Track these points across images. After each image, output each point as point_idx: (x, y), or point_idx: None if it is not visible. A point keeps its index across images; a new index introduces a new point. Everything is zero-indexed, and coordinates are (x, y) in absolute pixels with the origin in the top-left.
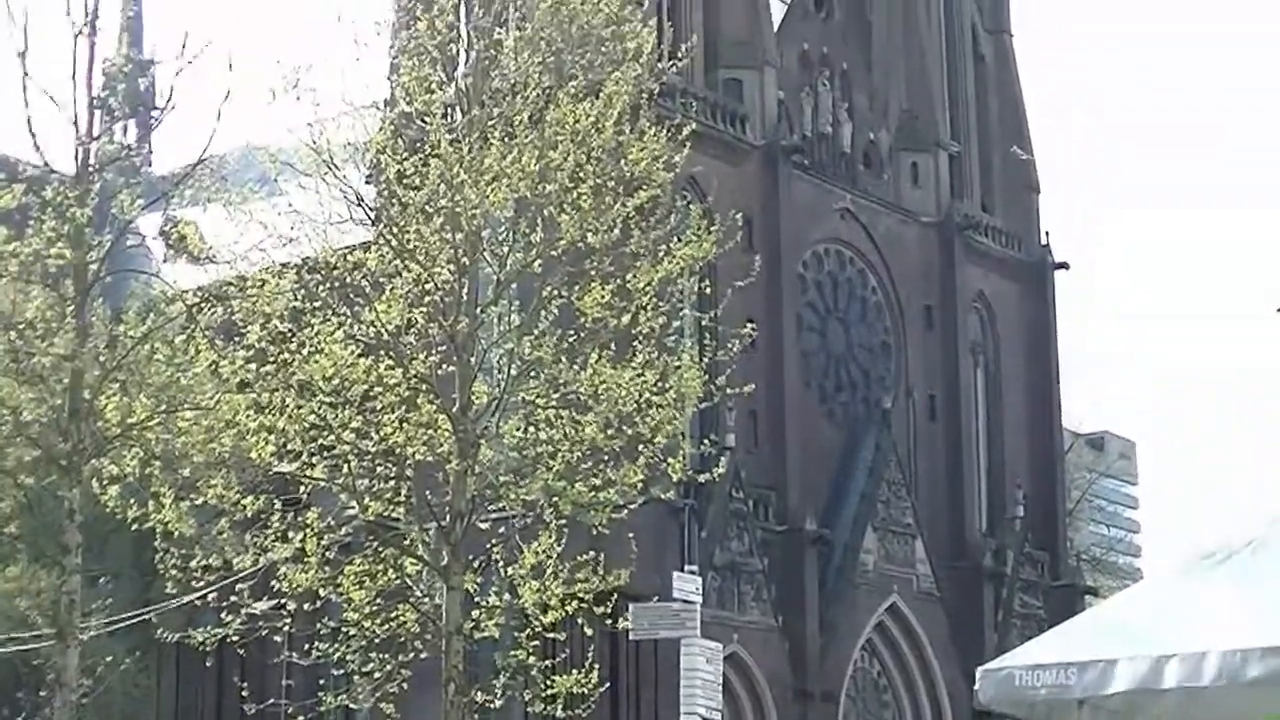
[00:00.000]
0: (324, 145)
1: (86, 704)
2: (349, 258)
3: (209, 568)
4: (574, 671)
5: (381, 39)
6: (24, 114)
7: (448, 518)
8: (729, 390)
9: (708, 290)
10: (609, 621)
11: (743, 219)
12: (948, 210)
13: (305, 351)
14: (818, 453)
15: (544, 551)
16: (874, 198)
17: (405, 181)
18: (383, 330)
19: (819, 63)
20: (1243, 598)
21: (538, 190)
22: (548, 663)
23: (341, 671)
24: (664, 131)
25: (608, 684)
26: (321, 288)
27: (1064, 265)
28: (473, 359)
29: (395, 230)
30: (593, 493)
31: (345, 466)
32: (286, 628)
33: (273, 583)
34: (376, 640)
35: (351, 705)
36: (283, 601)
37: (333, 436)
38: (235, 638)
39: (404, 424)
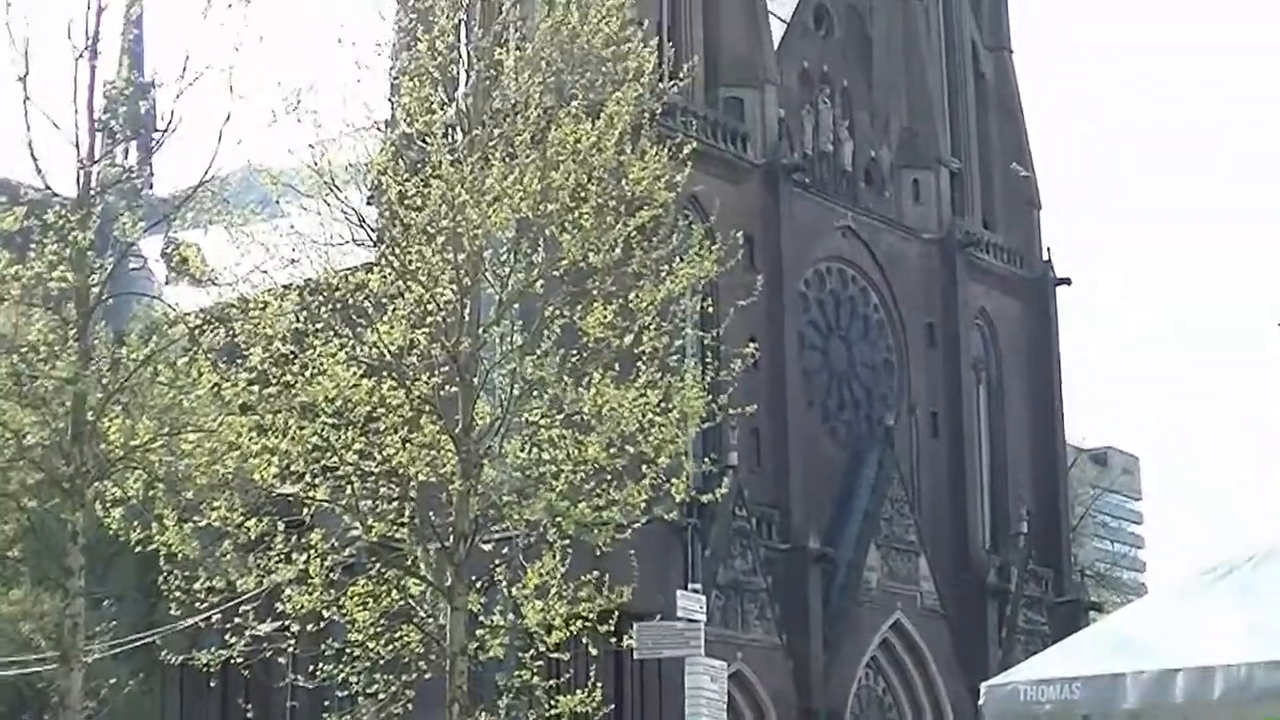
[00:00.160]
0: (325, 166)
1: None
2: (351, 279)
3: (213, 589)
4: (578, 691)
5: (382, 60)
6: (25, 137)
7: (451, 538)
8: (731, 409)
9: (710, 309)
10: (613, 641)
11: (744, 237)
12: (949, 227)
13: (308, 373)
14: (821, 471)
15: (548, 572)
16: (875, 215)
17: (407, 202)
18: (385, 351)
19: (819, 80)
20: (1246, 612)
21: (539, 210)
22: (552, 682)
23: (346, 693)
24: (665, 151)
25: (612, 704)
26: (323, 309)
27: (1066, 281)
28: (475, 379)
29: (397, 251)
30: (596, 512)
31: (348, 487)
32: (290, 649)
33: (276, 604)
34: (380, 661)
35: None
36: (287, 623)
37: (335, 458)
38: (239, 659)
39: (407, 445)
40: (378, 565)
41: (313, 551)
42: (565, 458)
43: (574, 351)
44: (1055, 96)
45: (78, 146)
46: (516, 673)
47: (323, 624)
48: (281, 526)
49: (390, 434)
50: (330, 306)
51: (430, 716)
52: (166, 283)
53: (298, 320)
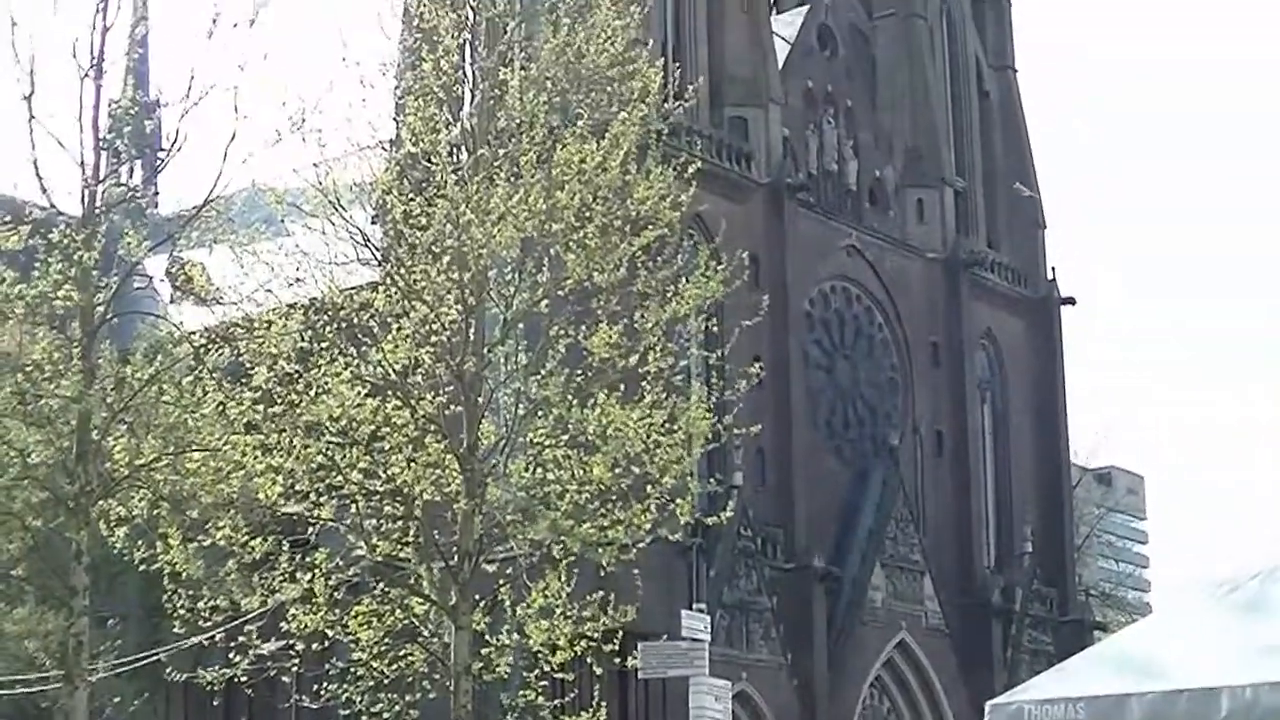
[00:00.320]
0: (330, 186)
1: None
2: (356, 298)
3: (217, 608)
4: (583, 711)
5: (387, 80)
6: (30, 156)
7: (455, 557)
8: (736, 429)
9: (714, 329)
10: (617, 660)
11: (749, 257)
12: (954, 246)
13: (313, 392)
14: (825, 490)
15: (553, 592)
16: (880, 234)
17: (411, 221)
18: (390, 370)
19: (824, 100)
20: (1252, 632)
21: (544, 230)
22: (557, 702)
23: (349, 712)
24: (670, 170)
25: None
26: (328, 328)
27: (1070, 300)
28: (480, 399)
29: (402, 270)
30: (600, 532)
31: (353, 506)
32: (295, 668)
33: (281, 623)
34: (385, 681)
35: None
36: (291, 642)
37: (340, 477)
38: (243, 678)
39: (412, 464)
40: (382, 584)
41: (317, 571)
42: (570, 478)
43: (579, 371)
44: (1061, 116)
45: (83, 165)
46: (521, 692)
47: (327, 643)
48: (286, 545)
49: (395, 453)
50: (335, 326)
51: None
52: (171, 302)
53: (302, 339)
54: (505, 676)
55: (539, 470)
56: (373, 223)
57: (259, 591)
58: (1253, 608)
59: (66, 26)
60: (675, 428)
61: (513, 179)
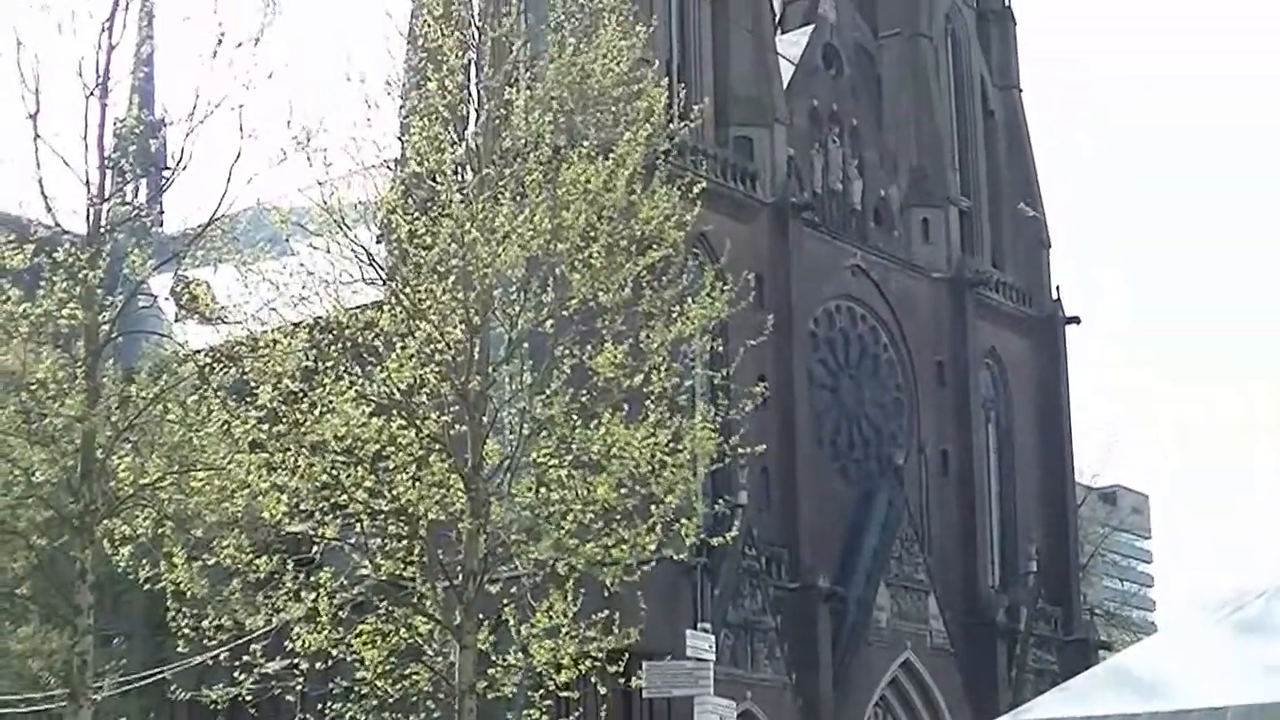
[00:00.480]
0: (335, 205)
1: None
2: (360, 317)
3: (221, 627)
4: None
5: (392, 99)
6: (36, 174)
7: (460, 577)
8: (741, 449)
9: (719, 349)
10: (622, 680)
11: (754, 277)
12: (958, 266)
13: (317, 411)
14: (830, 509)
15: (559, 611)
16: (885, 254)
17: (416, 241)
18: (394, 389)
19: (829, 119)
20: (1257, 651)
21: (549, 249)
22: None
23: None
24: (675, 190)
25: None
26: (333, 347)
27: (1075, 320)
28: (485, 418)
29: (407, 289)
30: (605, 552)
31: (357, 526)
32: (299, 687)
33: (285, 642)
34: (389, 700)
35: None
36: (295, 661)
37: (345, 496)
38: (248, 698)
39: (416, 483)
40: (386, 604)
41: (322, 590)
42: (574, 497)
43: (583, 391)
44: (1066, 135)
45: (88, 184)
46: (526, 712)
47: (331, 662)
48: (290, 564)
49: (399, 472)
50: (340, 345)
51: None
52: (176, 320)
53: (307, 358)
54: (510, 696)
55: (543, 490)
56: (377, 242)
57: (263, 610)
58: (1258, 626)
59: (72, 45)
60: (680, 447)
61: (518, 198)
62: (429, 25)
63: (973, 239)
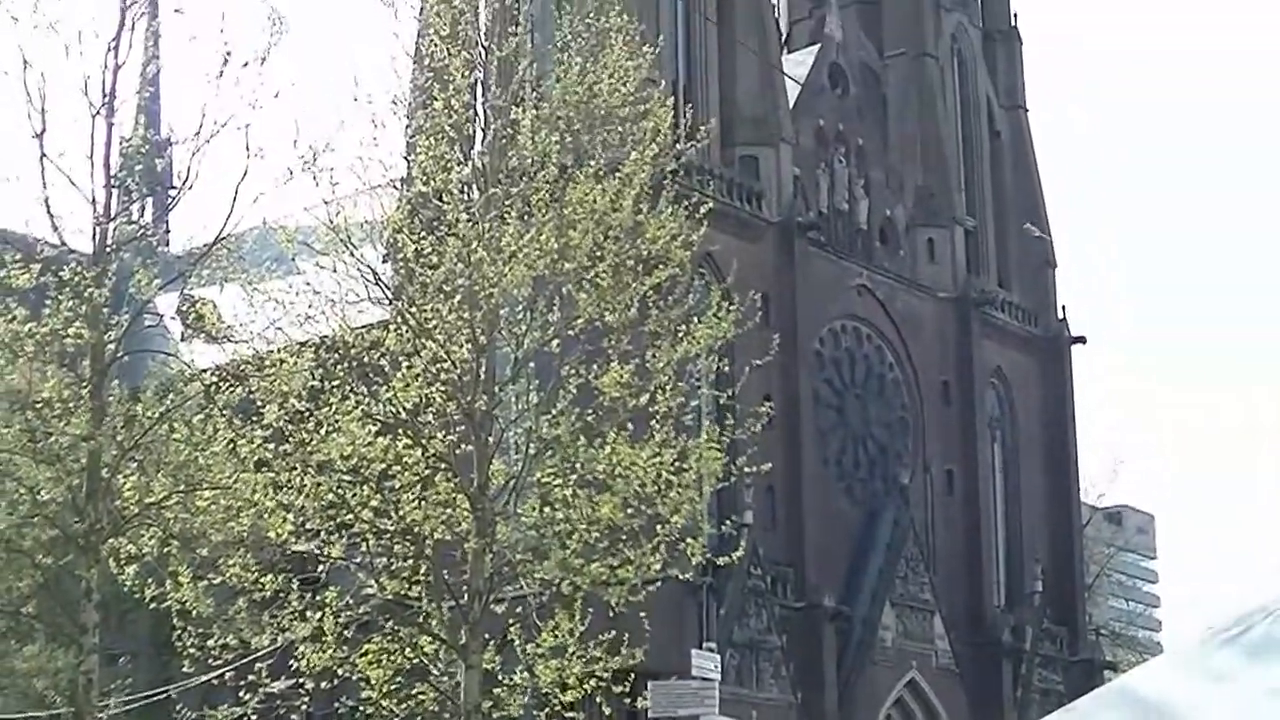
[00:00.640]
0: (341, 224)
1: None
2: (366, 336)
3: (227, 647)
4: None
5: (398, 118)
6: (41, 194)
7: (465, 596)
8: (747, 468)
9: (725, 368)
10: (628, 700)
11: (759, 296)
12: (964, 286)
13: (323, 430)
14: (836, 529)
15: (564, 631)
16: (890, 274)
17: (422, 260)
18: (400, 409)
19: (834, 139)
20: (1263, 673)
21: (556, 269)
22: None
23: None
24: (682, 210)
25: None
26: (339, 367)
27: (1081, 339)
28: (490, 438)
29: (413, 309)
30: (610, 571)
31: (363, 545)
32: (305, 707)
33: (291, 662)
34: (395, 719)
35: None
36: (301, 680)
37: (351, 515)
38: (253, 717)
39: (422, 503)
40: (392, 623)
41: (327, 609)
42: (580, 517)
43: (589, 410)
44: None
45: (94, 203)
46: None
47: (337, 682)
48: (296, 584)
49: (405, 492)
50: (346, 364)
51: None
52: (182, 339)
53: (313, 377)
54: (515, 716)
55: (549, 509)
56: (384, 261)
57: (269, 630)
58: (1264, 648)
59: (78, 65)
60: (685, 467)
61: (524, 218)
62: (435, 45)
63: (978, 259)
